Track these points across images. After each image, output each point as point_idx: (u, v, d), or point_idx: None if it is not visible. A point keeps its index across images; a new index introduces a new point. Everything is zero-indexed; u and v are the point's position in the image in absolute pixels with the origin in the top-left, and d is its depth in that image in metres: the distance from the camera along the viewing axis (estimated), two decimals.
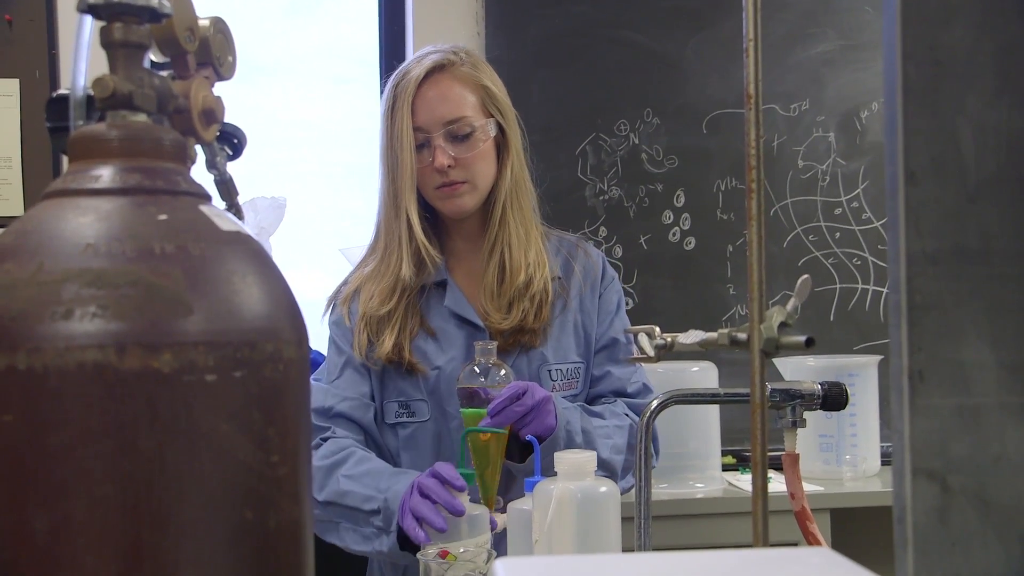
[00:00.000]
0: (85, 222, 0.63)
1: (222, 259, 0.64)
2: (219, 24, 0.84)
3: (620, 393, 1.81)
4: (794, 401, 1.07)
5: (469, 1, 2.88)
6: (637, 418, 1.73)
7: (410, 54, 2.93)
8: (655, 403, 1.09)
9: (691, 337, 0.77)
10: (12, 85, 2.48)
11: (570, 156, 2.85)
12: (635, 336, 0.86)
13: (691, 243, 2.86)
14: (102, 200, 0.64)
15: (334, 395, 1.77)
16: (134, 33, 0.70)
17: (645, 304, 2.83)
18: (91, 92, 0.72)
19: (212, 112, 0.80)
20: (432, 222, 1.81)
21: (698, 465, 2.34)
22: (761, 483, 0.71)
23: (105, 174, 0.66)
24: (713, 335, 0.76)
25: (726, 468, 2.50)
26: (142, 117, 0.70)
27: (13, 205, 2.47)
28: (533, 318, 1.74)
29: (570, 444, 1.57)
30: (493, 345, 1.57)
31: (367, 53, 3.09)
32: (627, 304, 2.83)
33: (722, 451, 2.41)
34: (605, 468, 1.60)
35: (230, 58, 0.87)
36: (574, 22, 2.87)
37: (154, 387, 0.59)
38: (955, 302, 0.63)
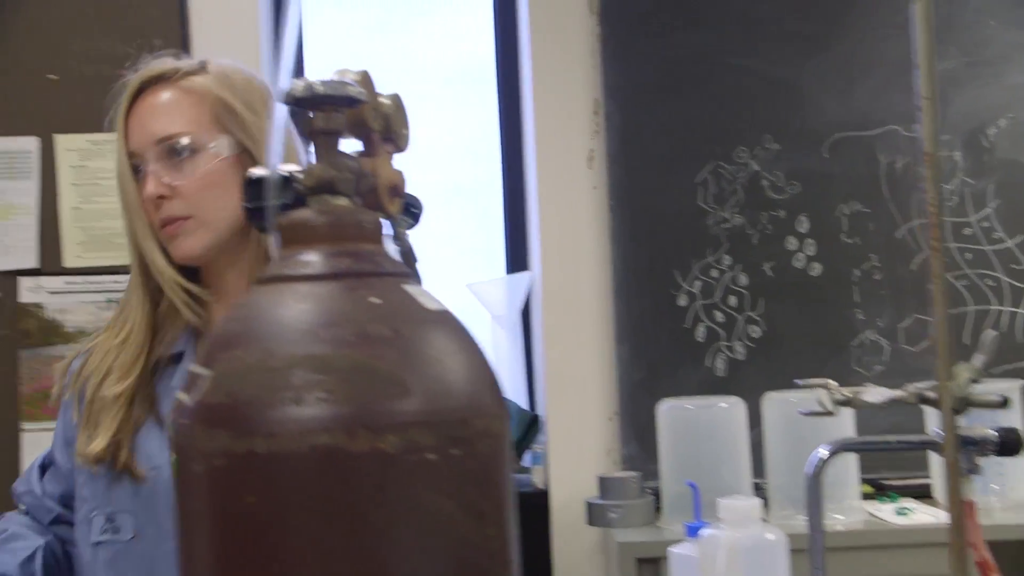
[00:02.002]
0: (304, 308, 0.66)
1: (432, 339, 0.67)
2: (397, 100, 0.88)
3: None
4: (968, 448, 1.05)
5: (585, 32, 2.91)
6: None
7: (527, 84, 2.96)
8: (825, 453, 1.09)
9: (875, 395, 0.77)
10: None
11: (690, 184, 2.85)
12: (813, 389, 0.86)
13: (816, 268, 2.83)
14: (316, 285, 0.68)
15: (25, 481, 1.49)
16: (333, 121, 0.74)
17: (771, 331, 2.81)
18: (285, 173, 0.76)
19: (397, 187, 0.83)
20: (190, 272, 1.43)
21: (835, 495, 2.31)
22: (958, 546, 0.71)
23: (316, 259, 0.69)
24: (900, 393, 0.76)
25: (864, 497, 2.46)
26: (343, 201, 0.74)
27: None
28: None
29: None
30: None
31: (482, 84, 3.14)
32: (754, 332, 2.82)
33: (860, 479, 2.39)
34: None
35: (404, 131, 0.90)
36: (690, 50, 2.88)
37: (381, 467, 0.61)
38: None
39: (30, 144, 2.69)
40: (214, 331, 0.69)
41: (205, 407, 0.64)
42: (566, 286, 2.86)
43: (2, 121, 2.68)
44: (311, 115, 0.74)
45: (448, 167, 3.17)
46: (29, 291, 2.68)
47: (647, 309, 2.82)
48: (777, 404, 2.38)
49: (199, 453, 0.63)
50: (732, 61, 2.87)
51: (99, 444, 1.35)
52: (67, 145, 2.68)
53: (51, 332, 2.69)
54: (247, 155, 1.39)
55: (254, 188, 0.82)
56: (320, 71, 0.78)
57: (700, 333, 2.81)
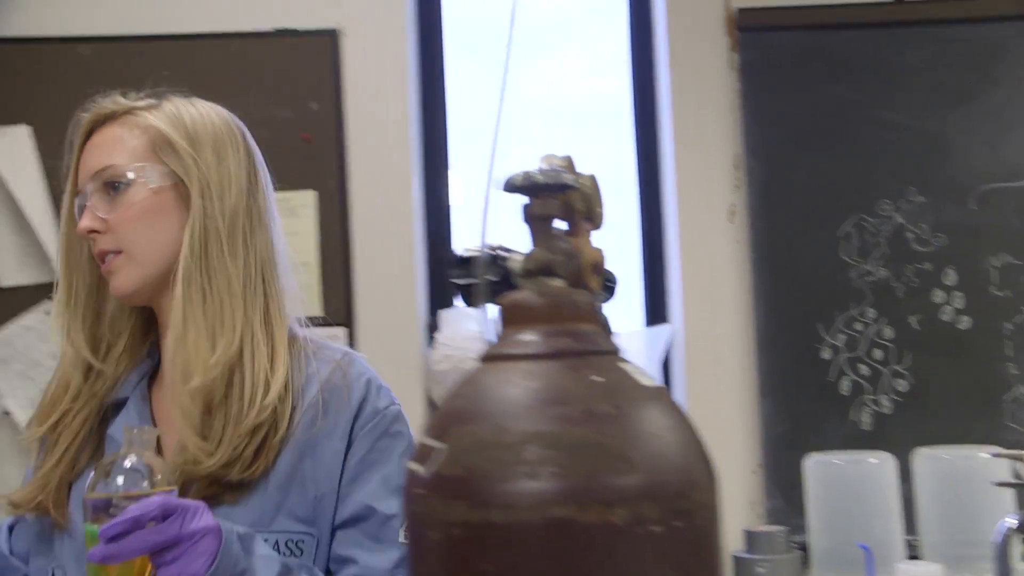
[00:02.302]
0: (531, 386, 0.70)
1: (651, 415, 0.70)
2: (594, 180, 0.93)
3: None
4: None
5: (725, 88, 2.93)
6: None
7: (667, 140, 2.99)
8: (1014, 523, 1.09)
9: None
10: (310, 196, 2.70)
11: (833, 238, 2.84)
12: (1006, 460, 0.87)
13: (965, 322, 2.79)
14: (540, 364, 0.72)
15: None
16: (549, 207, 0.79)
17: (919, 385, 2.77)
18: (493, 252, 0.82)
19: (598, 264, 0.88)
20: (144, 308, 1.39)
21: (989, 554, 2.26)
22: None
23: (537, 339, 0.74)
24: None
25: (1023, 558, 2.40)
26: (559, 282, 0.78)
27: (311, 306, 2.67)
28: (251, 459, 1.24)
29: None
30: (152, 434, 1.12)
31: (616, 127, 3.17)
32: (901, 386, 2.79)
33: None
34: None
35: (600, 209, 0.95)
36: (831, 103, 2.88)
37: (610, 539, 0.65)
38: None
39: None
40: (444, 405, 0.74)
41: (442, 479, 0.69)
42: (709, 339, 2.87)
43: None
44: (528, 201, 0.79)
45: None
46: None
47: (790, 362, 2.82)
48: (928, 460, 2.34)
49: (437, 522, 0.68)
50: (874, 113, 2.87)
51: (24, 491, 1.31)
52: None
53: None
54: (182, 187, 1.32)
55: (463, 265, 0.88)
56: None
57: (845, 386, 2.79)
